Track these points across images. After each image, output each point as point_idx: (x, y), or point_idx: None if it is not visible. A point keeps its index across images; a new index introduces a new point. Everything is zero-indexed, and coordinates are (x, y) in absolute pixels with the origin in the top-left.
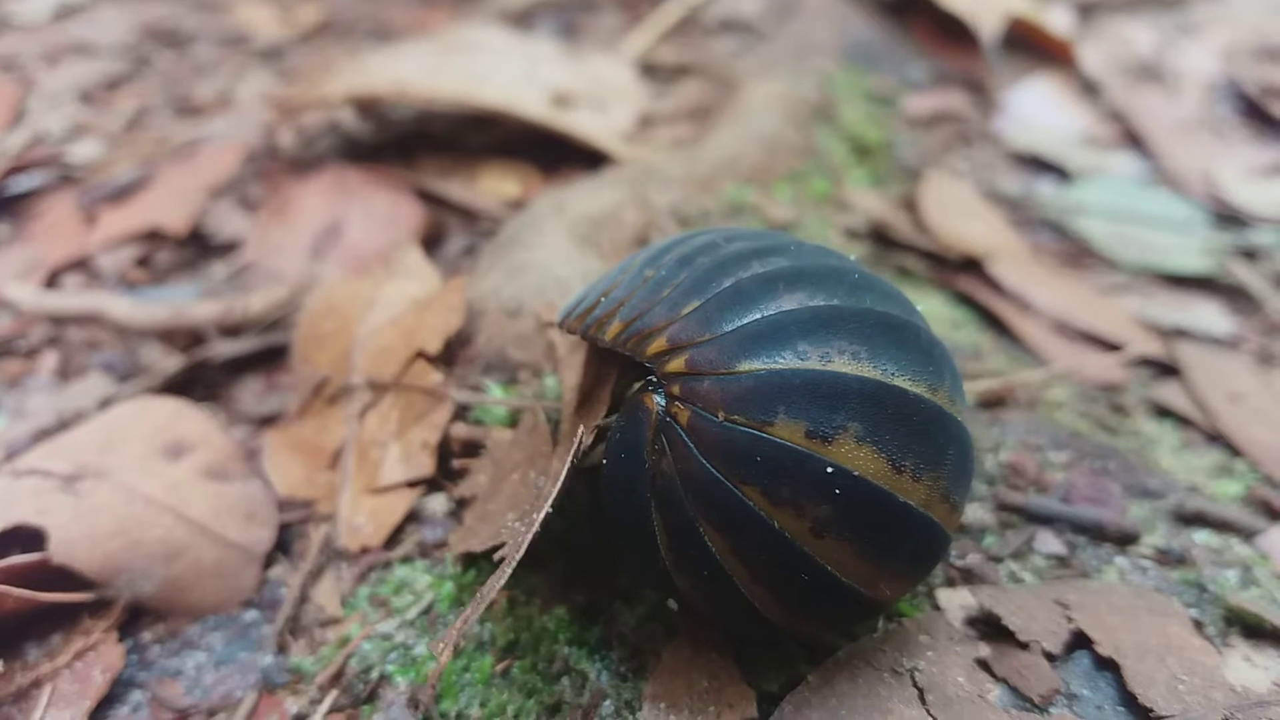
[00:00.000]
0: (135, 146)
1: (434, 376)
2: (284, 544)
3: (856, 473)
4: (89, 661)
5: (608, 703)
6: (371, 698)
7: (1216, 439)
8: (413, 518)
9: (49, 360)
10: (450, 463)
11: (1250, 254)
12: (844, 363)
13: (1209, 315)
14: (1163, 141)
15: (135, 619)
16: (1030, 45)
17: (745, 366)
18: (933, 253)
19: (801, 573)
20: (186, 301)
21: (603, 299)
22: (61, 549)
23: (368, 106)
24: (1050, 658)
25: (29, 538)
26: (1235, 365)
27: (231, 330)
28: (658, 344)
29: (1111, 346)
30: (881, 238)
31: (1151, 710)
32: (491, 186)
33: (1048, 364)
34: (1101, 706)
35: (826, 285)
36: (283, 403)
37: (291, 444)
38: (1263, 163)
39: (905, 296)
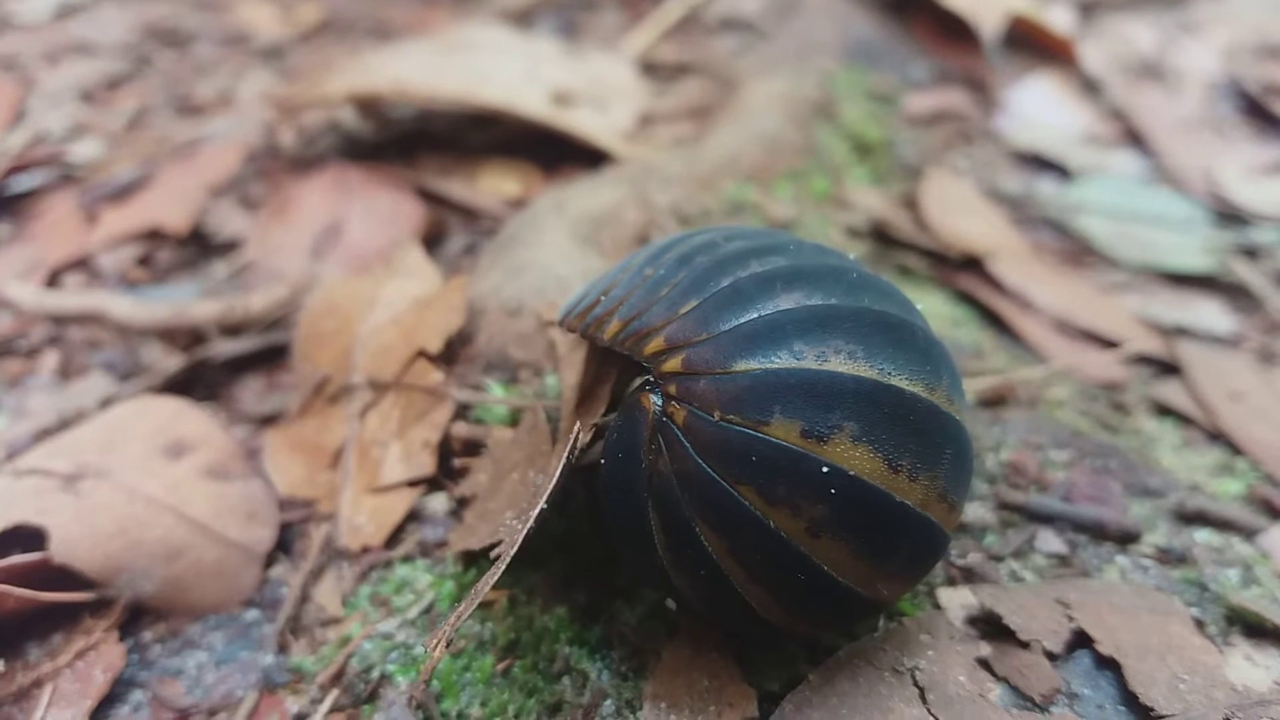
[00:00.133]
0: (136, 146)
1: (435, 376)
2: (285, 543)
3: (852, 472)
4: (90, 661)
5: (608, 702)
6: (372, 697)
7: (1217, 438)
8: (414, 517)
9: (50, 360)
10: (451, 462)
11: (1251, 252)
12: (840, 362)
13: (1210, 314)
14: (1164, 140)
15: (136, 618)
16: (1031, 44)
17: (741, 366)
18: (933, 251)
19: (798, 573)
20: (187, 301)
21: (603, 297)
22: (62, 548)
23: (368, 105)
24: (1051, 657)
25: (30, 537)
26: (1236, 364)
27: (232, 329)
28: (655, 343)
29: (1112, 345)
30: (882, 236)
31: (1152, 709)
32: (492, 185)
33: (1048, 362)
34: (1102, 706)
35: (824, 284)
36: (283, 402)
37: (292, 443)
38: (1264, 161)
39: (904, 295)
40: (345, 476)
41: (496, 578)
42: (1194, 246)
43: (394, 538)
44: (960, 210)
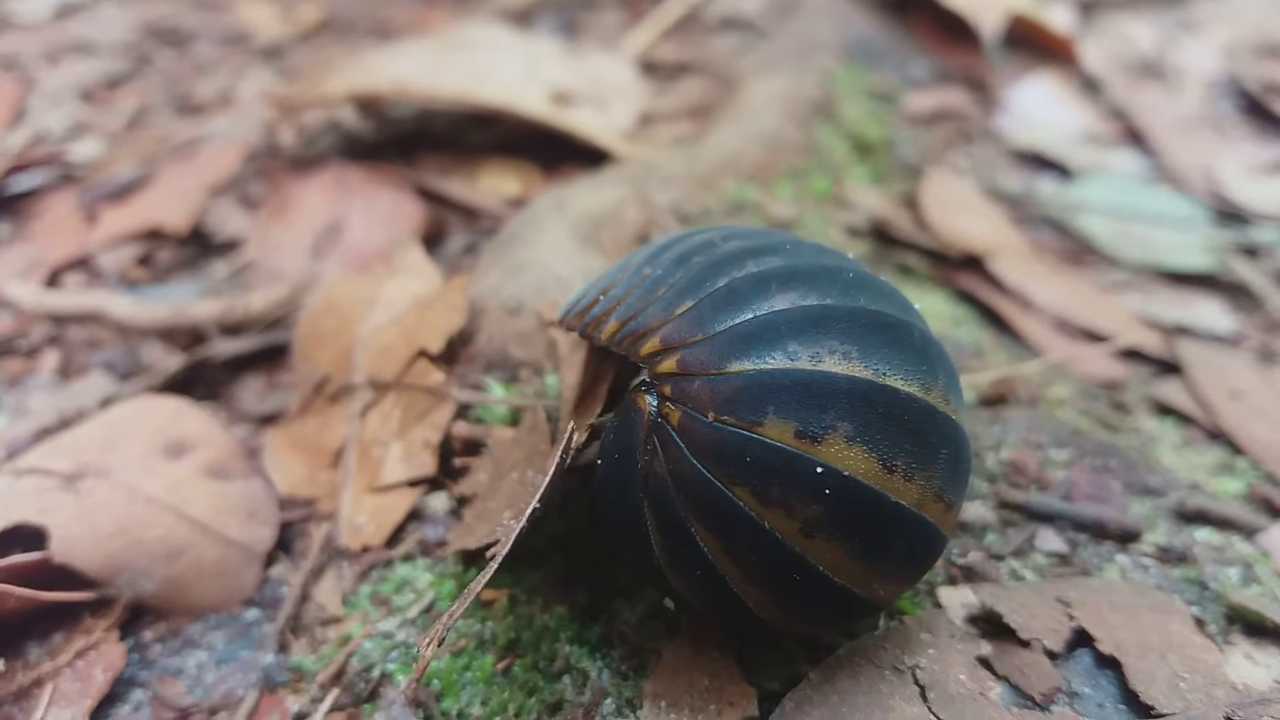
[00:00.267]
0: (136, 145)
1: (436, 375)
2: (285, 543)
3: (846, 473)
4: (90, 660)
5: (609, 701)
6: (373, 696)
7: (1218, 436)
8: (414, 516)
9: (50, 359)
10: (452, 461)
11: (1251, 251)
12: (835, 362)
13: (1210, 313)
14: (1164, 139)
15: (136, 618)
16: (1031, 43)
17: (735, 367)
18: (934, 250)
19: (793, 573)
20: (187, 300)
21: (601, 297)
22: (63, 548)
23: (368, 105)
24: (1052, 655)
25: (30, 537)
26: (1236, 363)
27: (232, 329)
28: (651, 344)
29: (1109, 340)
30: (882, 235)
31: (1153, 708)
32: (492, 185)
33: (1044, 356)
34: (1103, 704)
35: (820, 285)
36: (284, 401)
37: (293, 443)
38: (1264, 160)
39: (902, 295)
40: (346, 476)
41: (489, 577)
42: (1194, 245)
43: (394, 537)
44: (960, 209)
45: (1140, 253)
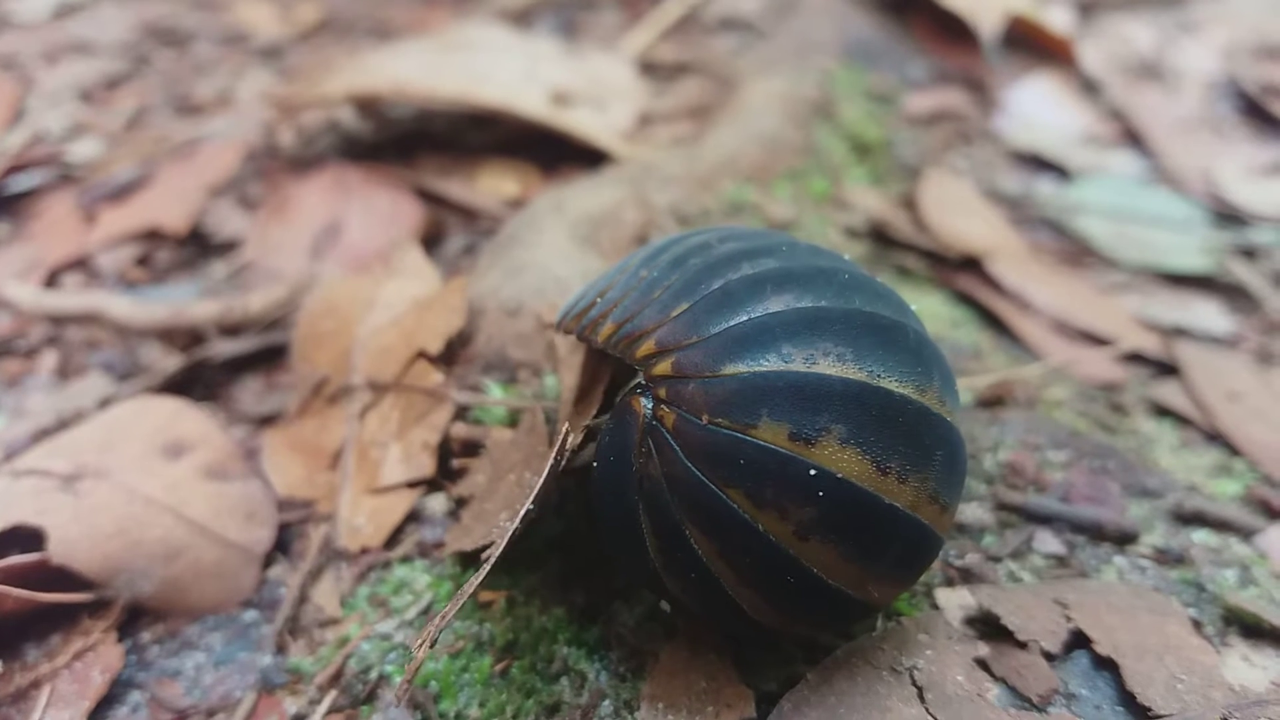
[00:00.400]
0: (135, 145)
1: (435, 377)
2: (283, 544)
3: (840, 475)
4: (88, 662)
5: (606, 703)
6: (370, 698)
7: (1215, 438)
8: (413, 518)
9: (48, 360)
10: (450, 462)
11: (1250, 253)
12: (828, 364)
13: (1208, 314)
14: (1162, 140)
15: (134, 619)
16: (1030, 44)
17: (730, 369)
18: (932, 251)
19: (787, 575)
20: (186, 301)
21: (599, 299)
22: (61, 549)
23: (367, 105)
24: (1049, 657)
25: (28, 538)
26: (1234, 364)
27: (231, 330)
28: (647, 346)
29: (1109, 344)
30: (881, 236)
31: (1150, 709)
32: (491, 185)
33: (1044, 359)
34: (1100, 706)
35: (814, 287)
36: (282, 402)
37: (291, 444)
38: (1262, 161)
39: (898, 296)
40: (344, 477)
41: (481, 579)
42: (1192, 247)
43: (393, 538)
44: (959, 210)
45: (1139, 254)
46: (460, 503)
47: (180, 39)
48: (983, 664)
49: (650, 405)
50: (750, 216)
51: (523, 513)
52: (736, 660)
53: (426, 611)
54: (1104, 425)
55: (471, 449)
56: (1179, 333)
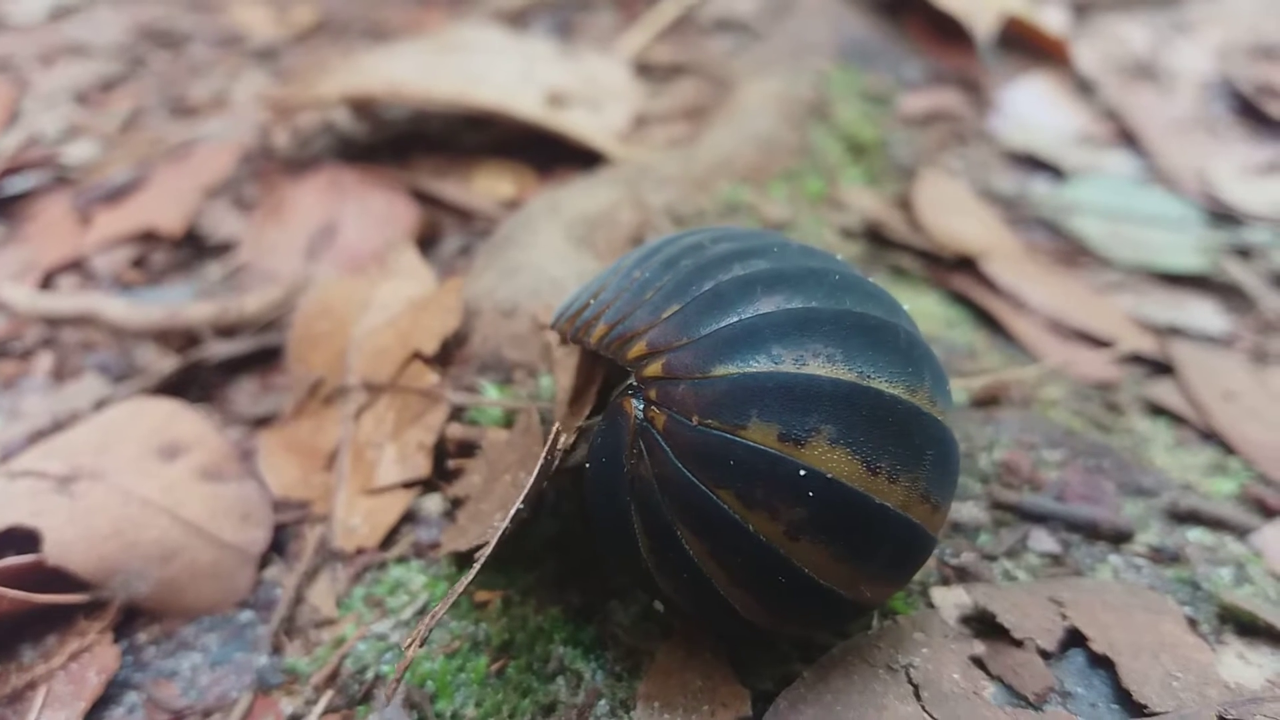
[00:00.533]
0: (130, 147)
1: (430, 377)
2: (279, 545)
3: (830, 475)
4: (84, 663)
5: (603, 702)
6: (367, 698)
7: (1210, 437)
8: (408, 518)
9: (44, 361)
10: (446, 463)
11: (1244, 252)
12: (818, 365)
13: (1203, 313)
14: (1157, 140)
15: (130, 620)
16: (1025, 44)
17: (720, 370)
18: (927, 251)
19: (778, 575)
20: (181, 302)
21: (592, 300)
22: (56, 550)
23: (363, 106)
24: (1045, 655)
25: (24, 539)
26: (1229, 363)
27: (226, 331)
28: (638, 348)
29: (1105, 345)
30: (876, 237)
31: (1146, 707)
32: (487, 186)
33: (1041, 361)
34: (1096, 704)
35: (805, 287)
36: (278, 403)
37: (287, 445)
38: (1257, 161)
39: (890, 296)
40: (340, 478)
41: (472, 578)
42: (1187, 246)
43: (389, 539)
44: (954, 210)
45: (1133, 254)
46: (456, 503)
47: (175, 41)
48: (979, 662)
49: (641, 407)
50: (746, 217)
51: (513, 512)
52: (732, 659)
53: (422, 612)
54: (1099, 424)
55: (467, 450)
56: (1174, 332)
